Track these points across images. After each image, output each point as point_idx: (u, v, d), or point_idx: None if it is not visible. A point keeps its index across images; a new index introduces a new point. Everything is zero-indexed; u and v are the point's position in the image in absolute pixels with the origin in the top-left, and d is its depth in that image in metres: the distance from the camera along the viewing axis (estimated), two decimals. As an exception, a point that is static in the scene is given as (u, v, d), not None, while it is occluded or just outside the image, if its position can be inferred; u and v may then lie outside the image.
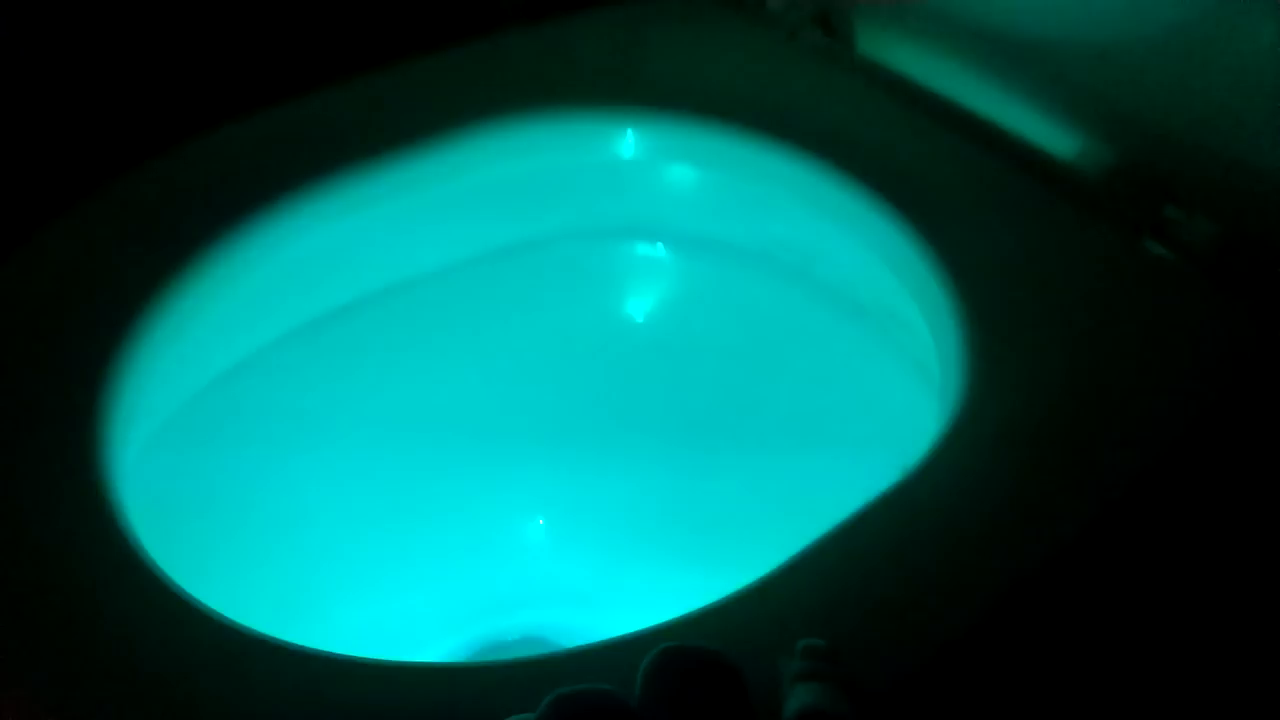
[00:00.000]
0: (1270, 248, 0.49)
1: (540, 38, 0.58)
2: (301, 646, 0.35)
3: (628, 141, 0.55)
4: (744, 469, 0.60)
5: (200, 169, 0.50)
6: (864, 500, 0.40)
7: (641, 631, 0.35)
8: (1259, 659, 0.46)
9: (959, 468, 0.41)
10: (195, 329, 0.47)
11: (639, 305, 0.62)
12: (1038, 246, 0.49)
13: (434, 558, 0.60)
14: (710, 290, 0.60)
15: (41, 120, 0.66)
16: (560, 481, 0.63)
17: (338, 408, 0.56)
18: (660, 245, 0.60)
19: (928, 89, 0.57)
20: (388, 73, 0.55)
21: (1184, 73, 0.49)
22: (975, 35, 0.55)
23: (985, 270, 0.48)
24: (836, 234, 0.53)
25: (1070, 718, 0.38)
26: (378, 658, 0.35)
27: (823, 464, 0.56)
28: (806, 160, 0.52)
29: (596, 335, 0.61)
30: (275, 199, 0.49)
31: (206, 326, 0.47)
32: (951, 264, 0.48)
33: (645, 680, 0.28)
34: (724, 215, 0.57)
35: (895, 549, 0.38)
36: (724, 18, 0.60)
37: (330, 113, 0.53)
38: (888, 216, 0.50)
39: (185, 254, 0.46)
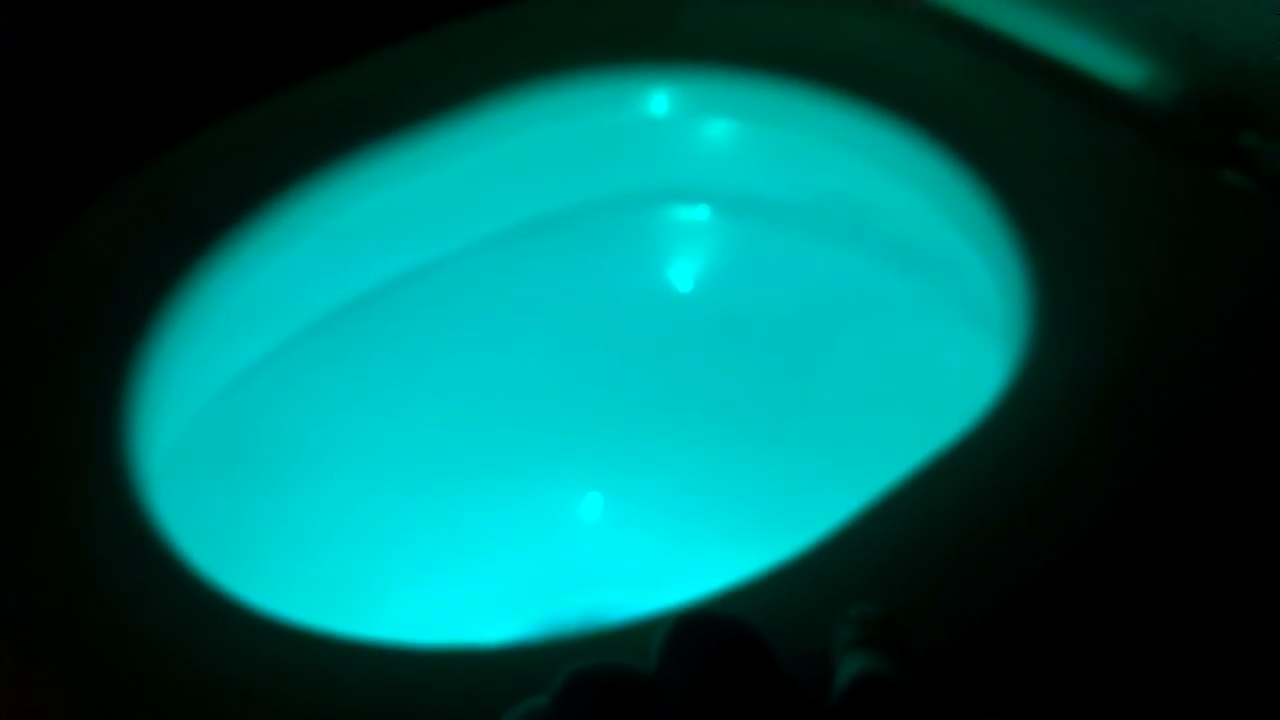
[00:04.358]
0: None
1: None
2: (342, 636, 0.34)
3: (661, 98, 0.53)
4: (803, 437, 0.58)
5: (222, 154, 0.49)
6: (923, 460, 0.38)
7: (682, 605, 0.34)
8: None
9: (1021, 423, 0.39)
10: (227, 314, 0.46)
11: (684, 272, 0.60)
12: (1105, 184, 0.47)
13: (488, 540, 0.59)
14: (758, 252, 0.58)
15: (56, 117, 0.66)
16: (614, 458, 0.61)
17: (382, 389, 0.55)
18: (703, 207, 0.57)
19: (981, 24, 0.54)
20: (407, 44, 0.54)
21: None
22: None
23: (1050, 213, 0.45)
24: (891, 184, 0.51)
25: (1137, 680, 0.35)
26: (412, 641, 0.34)
27: (886, 428, 0.54)
28: (855, 107, 0.50)
29: (642, 305, 0.60)
30: (300, 179, 0.48)
31: (239, 311, 0.47)
32: (1014, 208, 0.46)
33: (661, 652, 0.27)
34: (769, 172, 0.55)
35: (953, 510, 0.36)
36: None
37: (351, 88, 0.52)
38: (945, 161, 0.48)
39: (212, 240, 0.46)
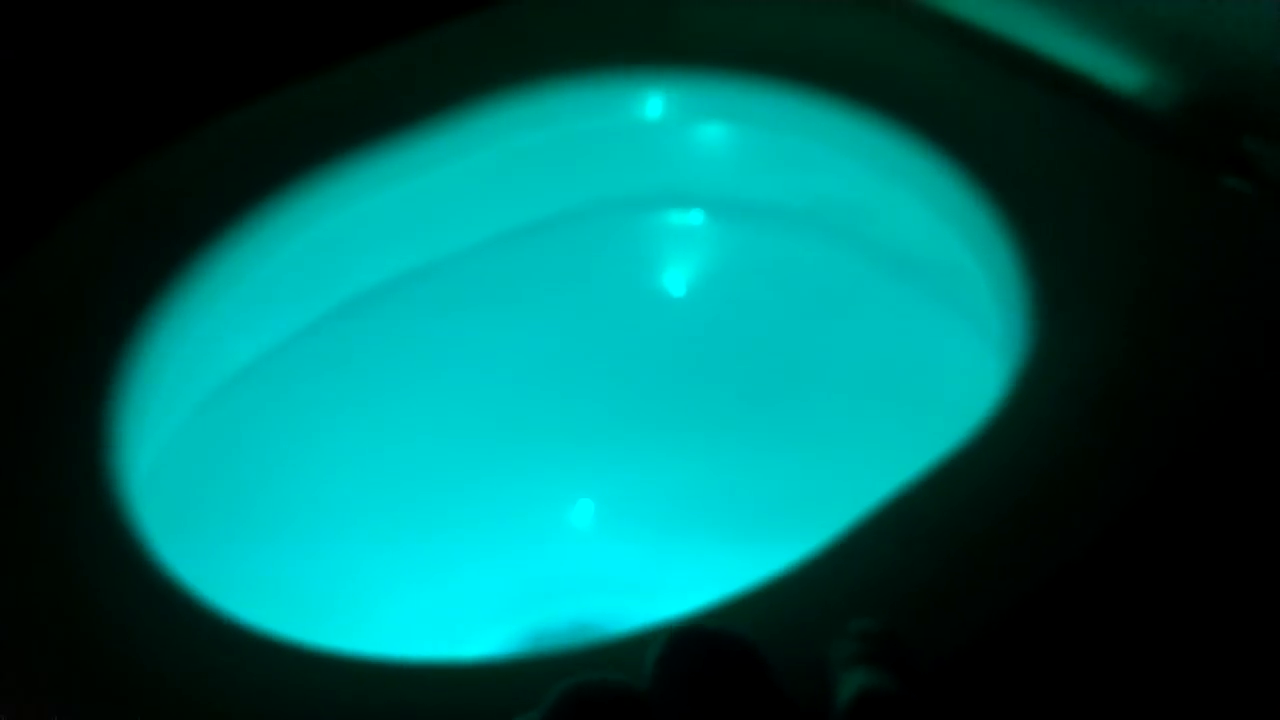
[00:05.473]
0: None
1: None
2: (327, 651, 0.34)
3: (655, 101, 0.52)
4: (797, 444, 0.57)
5: (209, 157, 0.49)
6: (924, 468, 0.37)
7: (676, 618, 0.33)
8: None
9: (1021, 430, 0.38)
10: (210, 322, 0.45)
11: (677, 277, 0.59)
12: (1104, 188, 0.46)
13: (478, 547, 0.59)
14: (752, 257, 0.57)
15: (43, 119, 0.65)
16: (606, 463, 0.60)
17: (369, 397, 0.55)
18: (696, 211, 0.57)
19: (978, 26, 0.54)
20: (396, 46, 0.53)
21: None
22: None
23: (1048, 217, 0.45)
24: (887, 188, 0.50)
25: (1142, 688, 0.35)
26: (398, 656, 0.33)
27: (882, 434, 0.53)
28: (851, 110, 0.49)
29: (634, 311, 0.59)
30: (287, 183, 0.47)
31: (222, 319, 0.46)
32: (1011, 212, 0.45)
33: (656, 667, 0.26)
34: (763, 175, 0.54)
35: (954, 519, 0.35)
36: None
37: (339, 91, 0.51)
38: (942, 165, 0.47)
39: (198, 244, 0.45)
